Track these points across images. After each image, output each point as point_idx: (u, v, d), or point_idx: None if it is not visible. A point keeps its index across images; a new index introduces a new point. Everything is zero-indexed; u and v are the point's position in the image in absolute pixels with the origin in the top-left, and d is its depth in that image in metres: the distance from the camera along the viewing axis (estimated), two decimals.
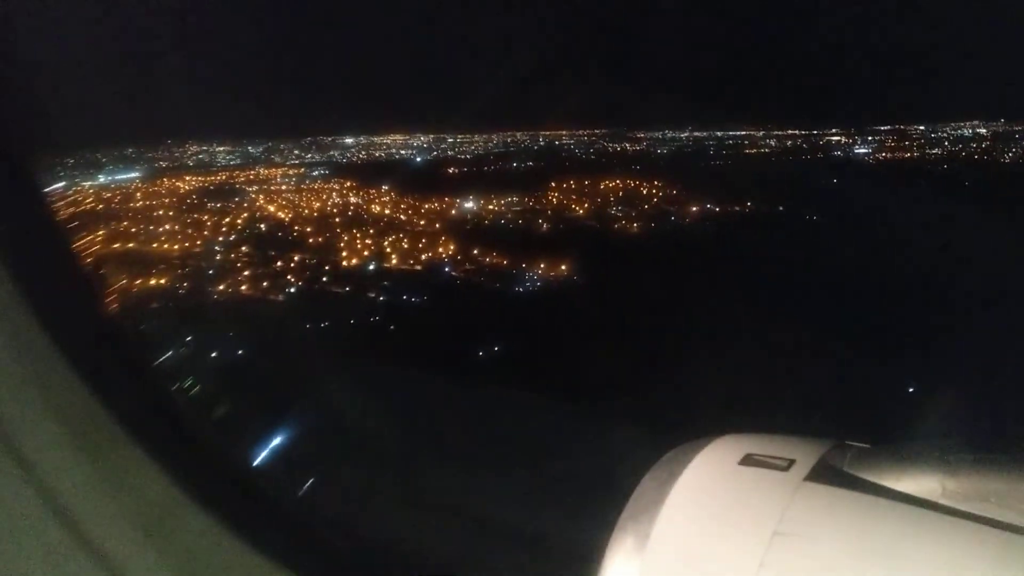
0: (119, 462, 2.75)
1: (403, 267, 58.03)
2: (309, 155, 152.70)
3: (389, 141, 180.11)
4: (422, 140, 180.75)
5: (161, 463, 2.84)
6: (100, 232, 66.31)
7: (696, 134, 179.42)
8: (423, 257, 60.92)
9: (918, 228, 53.50)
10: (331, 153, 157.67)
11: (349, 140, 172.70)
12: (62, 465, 2.61)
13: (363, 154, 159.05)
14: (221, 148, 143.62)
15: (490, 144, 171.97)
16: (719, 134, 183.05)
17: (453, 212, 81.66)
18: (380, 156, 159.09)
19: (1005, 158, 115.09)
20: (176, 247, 65.48)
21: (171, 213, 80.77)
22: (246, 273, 56.14)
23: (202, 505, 2.89)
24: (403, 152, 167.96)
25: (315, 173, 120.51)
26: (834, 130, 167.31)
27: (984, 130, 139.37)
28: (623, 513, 2.22)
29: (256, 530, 3.13)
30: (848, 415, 26.15)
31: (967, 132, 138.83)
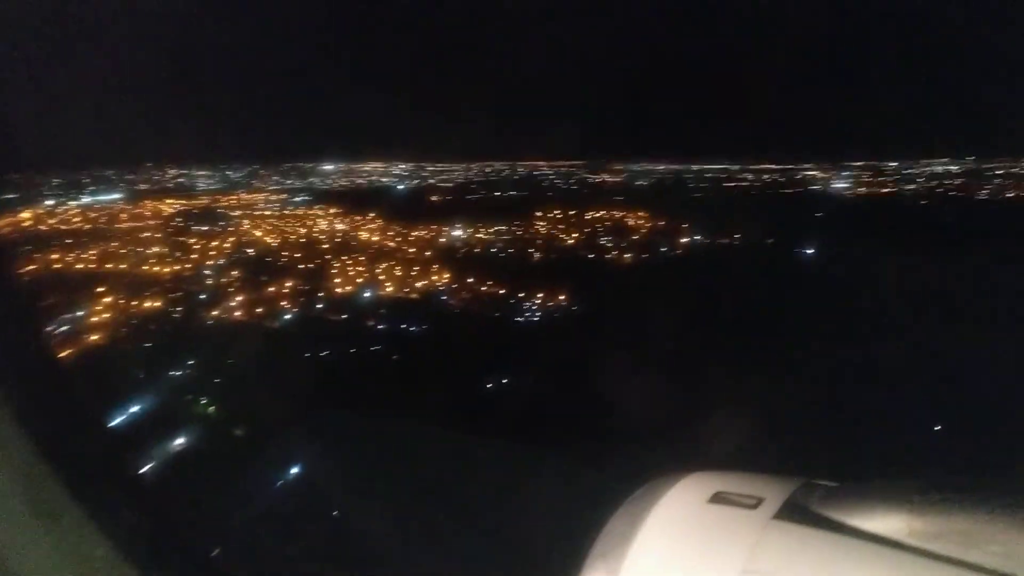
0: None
1: (399, 295, 57.43)
2: (290, 181, 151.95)
3: (369, 168, 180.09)
4: (402, 168, 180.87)
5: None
6: (92, 251, 66.24)
7: (672, 167, 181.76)
8: (418, 285, 60.33)
9: (895, 267, 53.84)
10: (311, 179, 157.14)
11: (329, 167, 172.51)
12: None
13: (344, 181, 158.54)
14: (201, 172, 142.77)
15: (470, 173, 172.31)
16: (695, 168, 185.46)
17: (442, 240, 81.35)
18: (361, 183, 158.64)
19: (977, 194, 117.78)
20: (167, 270, 64.40)
21: (158, 235, 79.91)
22: (237, 300, 55.16)
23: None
24: (384, 180, 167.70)
25: (298, 199, 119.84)
26: (809, 165, 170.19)
27: (954, 167, 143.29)
28: (592, 551, 2.20)
29: None
30: (818, 452, 25.77)
31: (938, 169, 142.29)
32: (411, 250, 74.73)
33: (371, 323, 50.11)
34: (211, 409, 35.69)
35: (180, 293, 57.16)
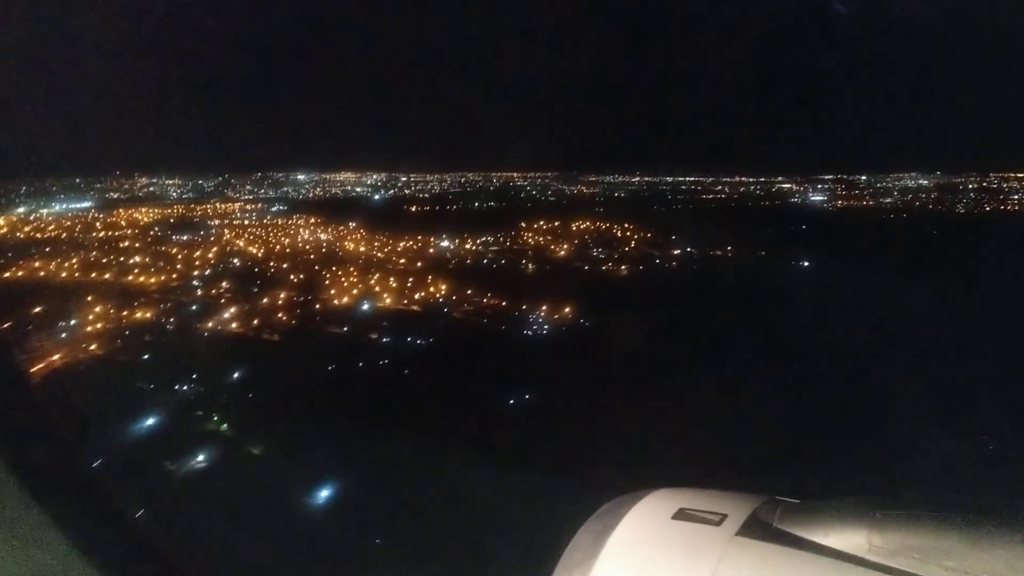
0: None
1: (398, 307, 55.81)
2: (263, 190, 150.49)
3: (342, 178, 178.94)
4: (375, 178, 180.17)
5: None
6: (73, 260, 64.15)
7: (647, 179, 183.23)
8: (416, 296, 58.75)
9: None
10: (285, 189, 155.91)
11: (301, 176, 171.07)
12: None
13: (318, 191, 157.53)
14: (171, 181, 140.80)
15: (444, 184, 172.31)
16: (669, 179, 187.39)
17: (430, 251, 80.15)
18: (336, 193, 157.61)
19: (950, 207, 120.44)
20: (153, 280, 62.19)
21: (137, 244, 77.92)
22: (230, 311, 53.21)
23: None
24: (358, 190, 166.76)
25: (274, 208, 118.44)
26: (780, 178, 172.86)
27: (925, 181, 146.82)
28: (558, 566, 2.18)
29: None
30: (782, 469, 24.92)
31: (910, 183, 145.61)
32: (401, 260, 73.40)
33: (374, 336, 48.47)
34: (223, 427, 33.87)
35: (170, 304, 55.17)
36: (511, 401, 36.75)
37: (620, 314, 49.30)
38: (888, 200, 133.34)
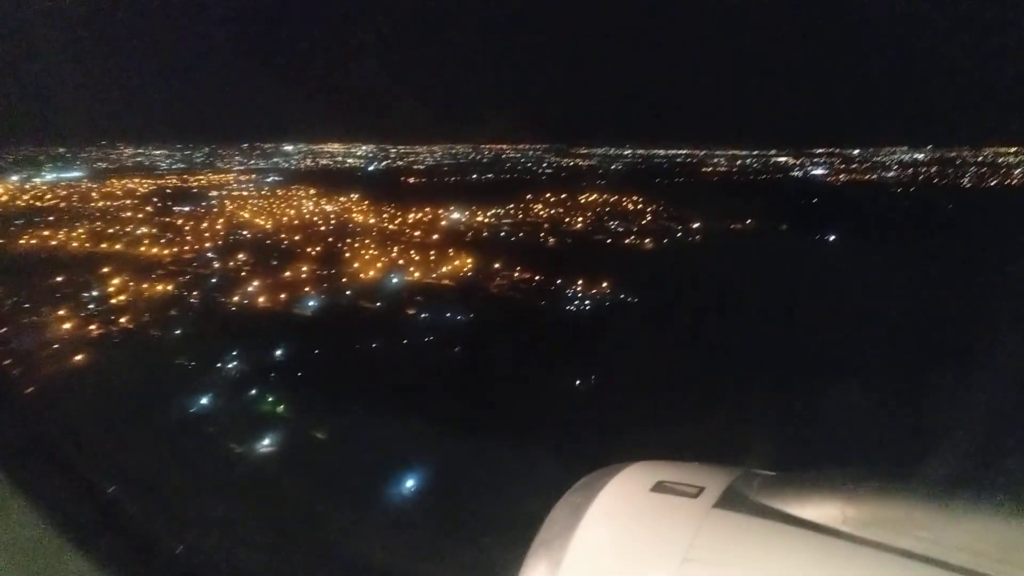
0: None
1: (428, 282, 53.79)
2: (253, 161, 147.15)
3: (330, 150, 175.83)
4: (364, 150, 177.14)
5: None
6: (80, 230, 62.01)
7: (640, 152, 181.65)
8: (443, 270, 56.74)
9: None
10: (275, 160, 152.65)
11: (289, 147, 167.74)
12: None
13: (309, 162, 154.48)
14: (158, 152, 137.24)
15: (435, 156, 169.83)
16: (663, 153, 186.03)
17: (442, 223, 78.03)
18: (328, 164, 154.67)
19: (951, 181, 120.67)
20: (166, 252, 59.76)
21: (140, 215, 75.42)
22: (254, 285, 50.97)
23: None
24: (349, 161, 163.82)
25: (269, 179, 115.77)
26: (773, 151, 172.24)
27: (920, 155, 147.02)
28: (536, 538, 2.17)
29: None
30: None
31: (906, 157, 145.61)
32: (416, 233, 71.26)
33: (411, 312, 46.47)
34: (280, 409, 31.86)
35: (188, 276, 53.10)
36: (578, 383, 35.03)
37: (664, 289, 47.81)
38: (890, 174, 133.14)
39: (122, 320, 43.73)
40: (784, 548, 1.85)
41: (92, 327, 41.94)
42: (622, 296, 49.13)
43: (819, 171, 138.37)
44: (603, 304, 47.94)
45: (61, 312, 44.33)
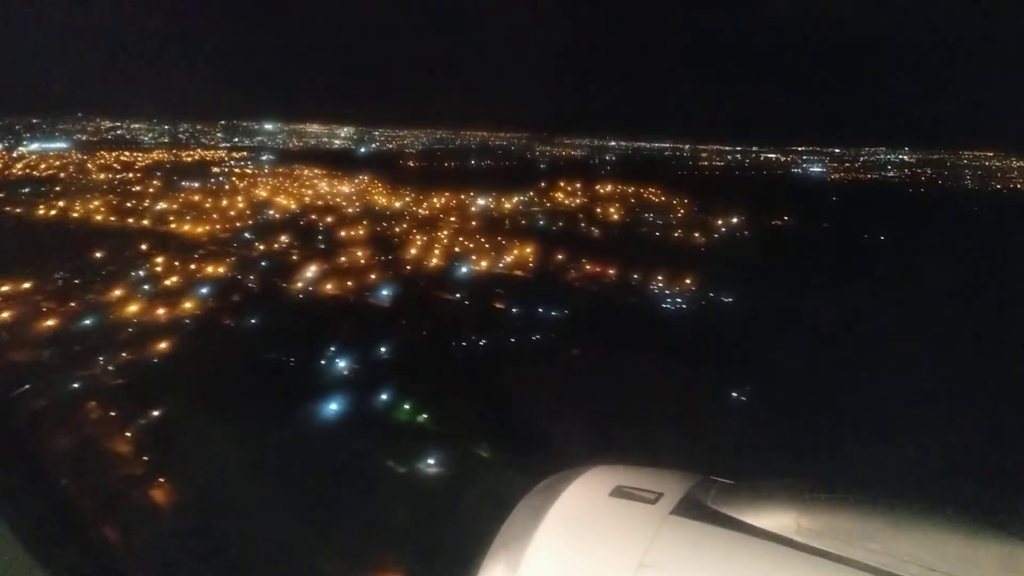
0: None
1: (498, 272, 50.00)
2: (236, 139, 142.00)
3: (311, 130, 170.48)
4: (345, 132, 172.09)
5: None
6: (95, 202, 57.63)
7: (623, 144, 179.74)
8: (507, 260, 52.99)
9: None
10: (258, 138, 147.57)
11: (268, 126, 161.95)
12: None
13: (295, 141, 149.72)
14: (137, 125, 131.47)
15: (418, 140, 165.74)
16: (647, 145, 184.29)
17: (472, 209, 74.43)
18: (315, 144, 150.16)
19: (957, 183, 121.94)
20: (199, 230, 55.22)
21: (151, 189, 70.60)
22: (311, 270, 46.93)
23: None
24: (336, 142, 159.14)
25: (263, 157, 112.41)
26: (764, 148, 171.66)
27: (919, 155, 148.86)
28: (496, 540, 2.18)
29: None
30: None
31: (906, 158, 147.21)
32: (450, 219, 67.49)
33: (500, 306, 42.50)
34: (422, 419, 27.62)
35: (234, 257, 49.49)
36: (734, 394, 31.45)
37: (753, 288, 44.80)
38: (891, 173, 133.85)
39: (187, 305, 39.61)
40: (738, 557, 1.85)
41: (159, 311, 38.12)
42: (711, 294, 45.88)
43: (816, 169, 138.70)
44: (699, 303, 44.66)
45: (117, 292, 40.55)
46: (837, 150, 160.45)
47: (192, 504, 21.70)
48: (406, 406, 28.40)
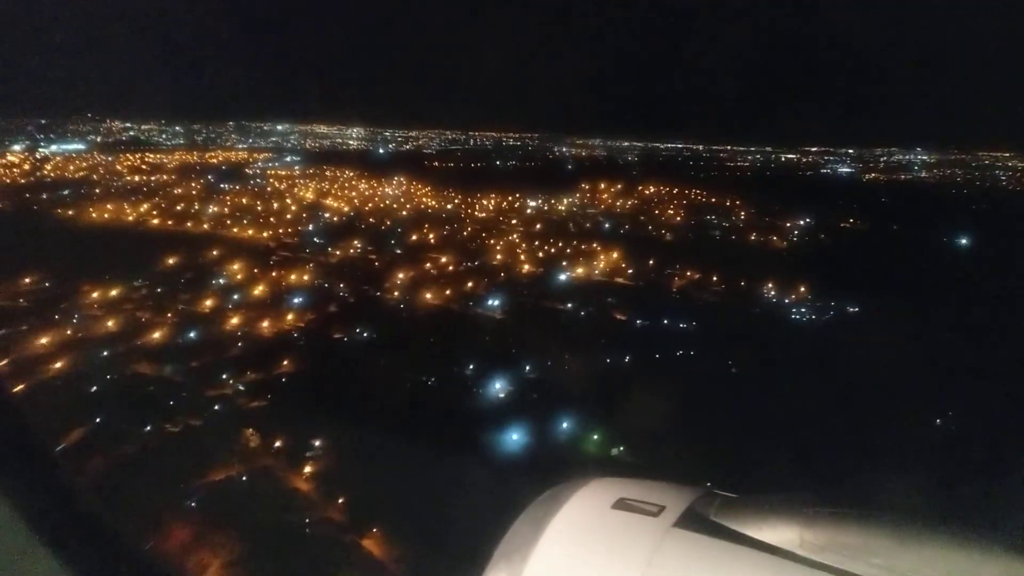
0: None
1: (600, 279, 46.64)
2: (252, 140, 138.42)
3: (322, 131, 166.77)
4: (356, 132, 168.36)
5: None
6: (144, 205, 54.71)
7: (637, 144, 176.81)
8: (602, 267, 49.72)
9: None
10: (274, 139, 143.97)
11: (280, 127, 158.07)
12: None
13: (311, 142, 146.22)
14: (148, 126, 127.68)
15: (431, 140, 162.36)
16: (662, 146, 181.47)
17: (528, 212, 71.38)
18: (332, 145, 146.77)
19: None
20: (264, 234, 53.06)
21: (194, 192, 68.29)
22: (400, 277, 43.93)
23: None
24: (351, 143, 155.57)
25: (288, 158, 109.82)
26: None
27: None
28: (497, 551, 2.13)
29: None
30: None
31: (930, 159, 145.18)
32: (513, 221, 64.40)
33: (621, 317, 39.00)
34: (617, 452, 23.82)
35: (312, 264, 46.36)
36: (939, 421, 28.01)
37: (874, 296, 41.57)
38: (923, 174, 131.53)
39: (288, 316, 36.82)
40: (741, 571, 1.84)
41: (262, 323, 35.47)
42: (833, 303, 42.53)
43: (845, 169, 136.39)
44: (828, 312, 41.37)
45: (208, 302, 37.98)
46: (851, 150, 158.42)
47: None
48: (595, 437, 24.75)
